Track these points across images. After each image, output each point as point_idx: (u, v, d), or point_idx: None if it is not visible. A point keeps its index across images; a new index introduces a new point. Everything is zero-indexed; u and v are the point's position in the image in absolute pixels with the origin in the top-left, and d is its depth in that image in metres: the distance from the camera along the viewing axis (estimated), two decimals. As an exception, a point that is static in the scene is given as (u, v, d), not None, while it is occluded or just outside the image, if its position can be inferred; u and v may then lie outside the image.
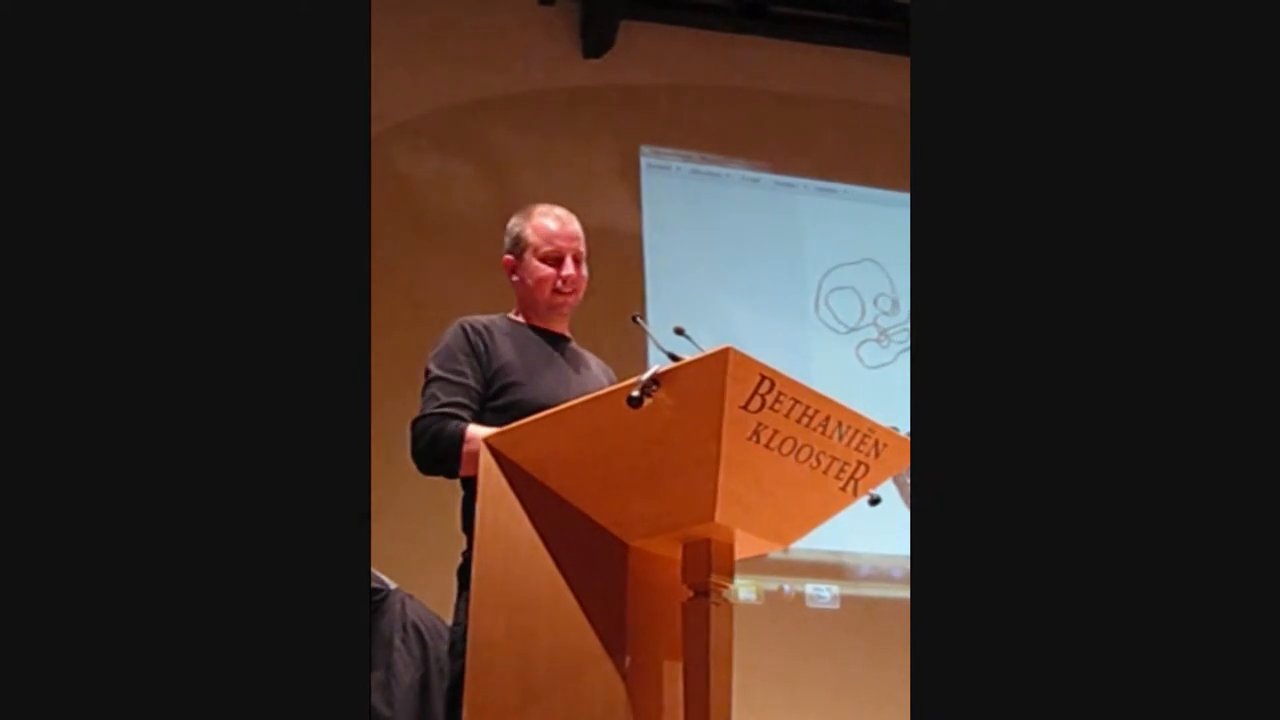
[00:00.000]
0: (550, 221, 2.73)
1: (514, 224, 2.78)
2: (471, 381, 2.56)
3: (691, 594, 2.09)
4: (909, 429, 1.96)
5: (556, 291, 2.70)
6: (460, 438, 2.47)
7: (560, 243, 2.71)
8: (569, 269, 2.70)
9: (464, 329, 2.64)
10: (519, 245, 2.73)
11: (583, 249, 2.73)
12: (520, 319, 2.75)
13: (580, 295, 2.74)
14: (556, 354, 2.71)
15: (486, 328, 2.65)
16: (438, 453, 2.49)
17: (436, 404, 2.53)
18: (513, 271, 2.75)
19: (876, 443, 2.18)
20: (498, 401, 2.56)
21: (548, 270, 2.70)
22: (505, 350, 2.63)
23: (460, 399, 2.54)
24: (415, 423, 2.53)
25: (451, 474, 2.50)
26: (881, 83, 6.58)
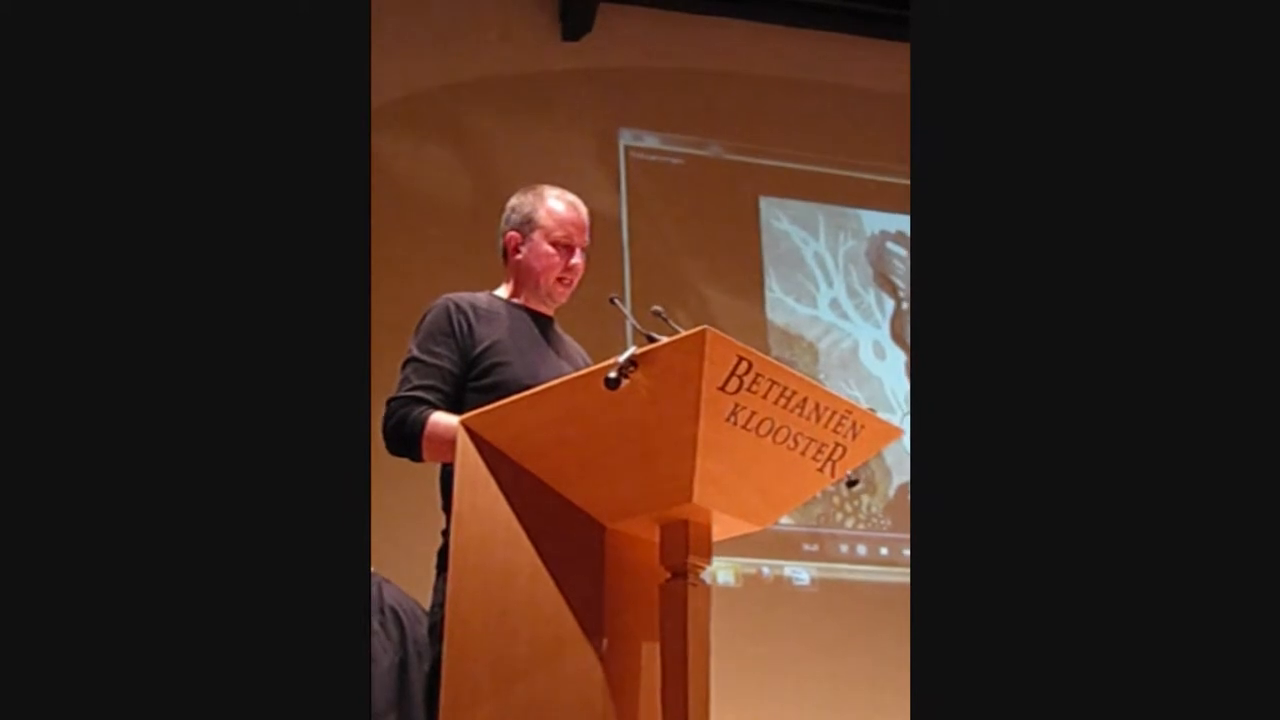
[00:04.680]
0: (565, 208, 2.73)
1: (522, 202, 2.76)
2: (447, 364, 2.55)
3: (669, 575, 2.09)
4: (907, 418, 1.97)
5: (560, 279, 2.70)
6: (421, 426, 2.47)
7: (573, 231, 2.71)
8: (577, 259, 2.70)
9: (447, 307, 2.63)
10: (529, 225, 2.72)
11: (588, 240, 2.73)
12: (510, 298, 2.74)
13: (576, 284, 2.75)
14: (543, 335, 2.71)
15: (473, 306, 2.64)
16: (401, 437, 2.49)
17: (408, 387, 2.53)
18: (515, 249, 2.74)
19: (854, 424, 2.18)
20: (484, 381, 2.55)
21: (557, 257, 2.69)
22: (494, 329, 2.62)
23: (432, 382, 2.53)
24: (388, 402, 2.53)
25: (414, 459, 2.51)
26: (862, 66, 6.59)
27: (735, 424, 2.02)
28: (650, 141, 6.29)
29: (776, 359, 2.19)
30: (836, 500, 5.90)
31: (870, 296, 6.37)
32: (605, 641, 2.11)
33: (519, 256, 2.73)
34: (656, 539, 2.12)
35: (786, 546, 5.78)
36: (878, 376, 6.23)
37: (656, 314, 2.67)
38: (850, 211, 6.46)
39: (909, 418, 6.16)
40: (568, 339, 2.81)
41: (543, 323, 2.73)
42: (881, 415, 2.33)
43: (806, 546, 5.85)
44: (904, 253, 6.47)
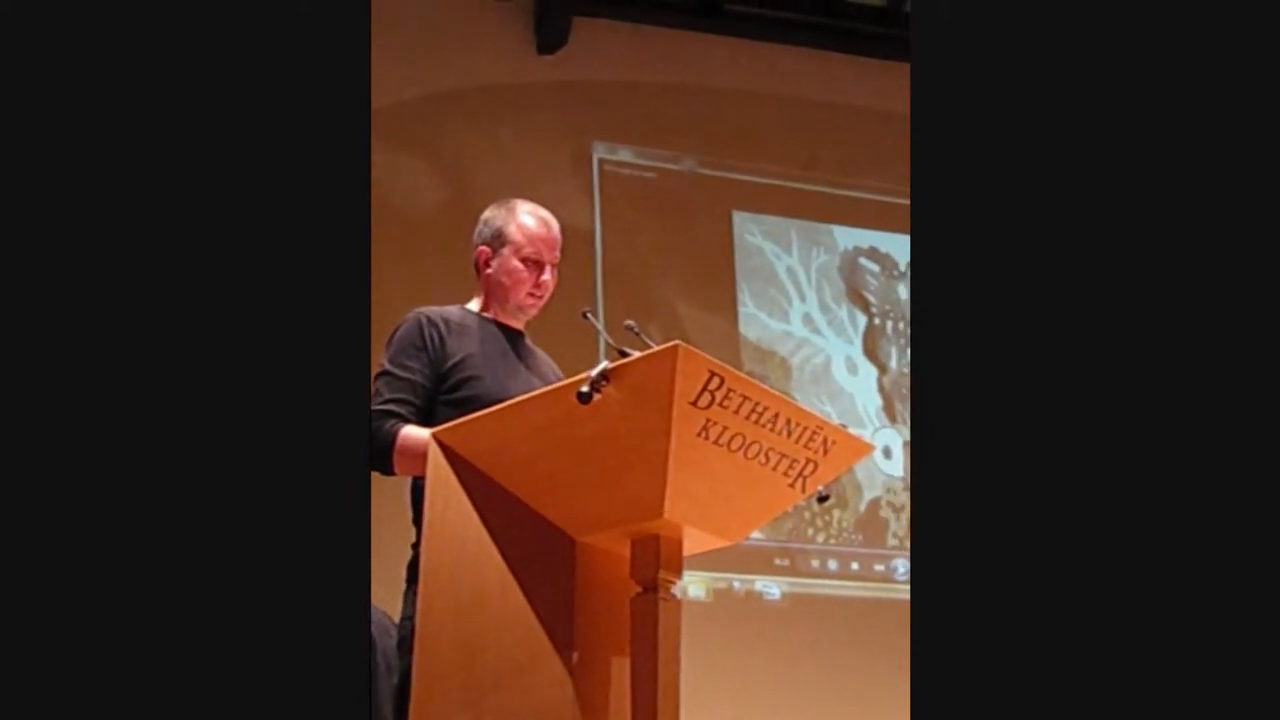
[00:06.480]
0: (536, 224, 2.73)
1: (494, 216, 2.76)
2: (418, 377, 2.55)
3: (640, 590, 2.09)
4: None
5: (529, 294, 2.71)
6: (393, 439, 2.46)
7: (543, 248, 2.71)
8: (547, 276, 2.71)
9: (419, 321, 2.63)
10: (500, 239, 2.72)
11: (559, 256, 2.74)
12: (481, 311, 2.74)
13: (546, 300, 2.75)
14: (514, 350, 2.71)
15: (444, 320, 2.64)
16: (372, 450, 2.47)
17: (380, 400, 2.52)
18: (485, 263, 2.74)
19: (825, 440, 2.19)
20: (455, 395, 2.55)
21: (526, 272, 2.69)
22: (465, 343, 2.62)
23: (404, 395, 2.53)
24: None
25: (385, 473, 2.50)
26: (837, 82, 6.62)
27: (707, 439, 2.03)
28: (624, 155, 6.30)
29: (749, 374, 2.19)
30: (807, 515, 5.91)
31: (843, 312, 6.39)
32: (575, 655, 2.11)
33: (489, 271, 2.73)
34: (627, 553, 2.12)
35: (757, 561, 5.79)
36: (850, 392, 6.25)
37: (629, 328, 2.67)
38: (823, 227, 6.48)
39: (880, 433, 6.18)
40: (539, 353, 2.81)
41: (513, 337, 2.73)
42: (853, 431, 2.34)
43: (777, 561, 5.86)
44: (876, 268, 6.50)
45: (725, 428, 2.04)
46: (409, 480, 2.56)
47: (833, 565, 5.93)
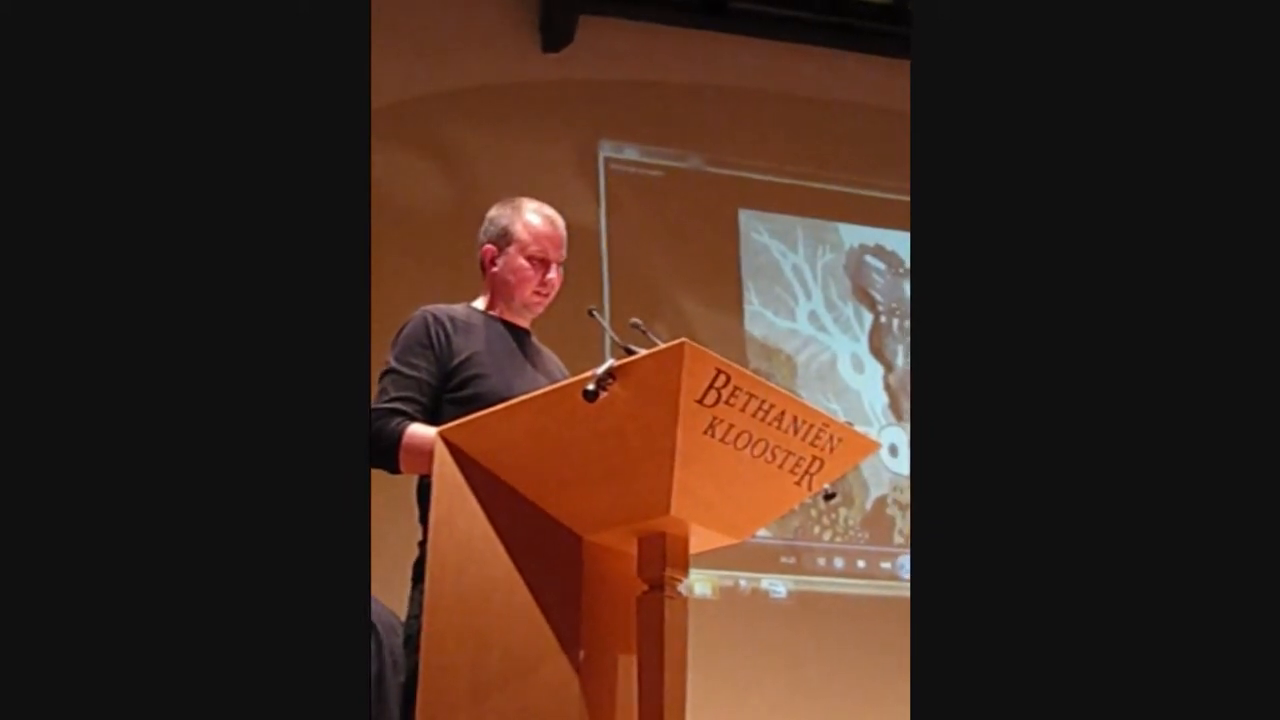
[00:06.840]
0: (541, 222, 2.74)
1: (499, 214, 2.77)
2: (424, 375, 2.56)
3: (646, 588, 2.09)
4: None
5: (534, 292, 2.71)
6: (398, 437, 2.47)
7: (548, 246, 2.72)
8: (552, 274, 2.71)
9: (425, 319, 2.63)
10: (505, 238, 2.73)
11: (564, 254, 2.74)
12: (487, 310, 2.75)
13: (552, 298, 2.75)
14: (520, 348, 2.71)
15: (450, 318, 2.65)
16: (378, 449, 2.48)
17: (385, 399, 2.53)
18: (491, 261, 2.75)
19: (832, 437, 2.19)
20: (461, 393, 2.55)
21: (531, 270, 2.70)
22: (471, 341, 2.62)
23: (410, 394, 2.53)
24: None
25: (391, 471, 2.50)
26: (842, 79, 6.62)
27: (713, 437, 2.02)
28: (630, 153, 6.30)
29: (755, 371, 2.20)
30: (814, 513, 5.90)
31: (849, 309, 6.39)
32: (582, 654, 2.11)
33: (495, 269, 2.74)
34: (634, 551, 2.12)
35: (763, 559, 5.78)
36: (856, 390, 6.25)
37: (635, 326, 2.67)
38: (829, 225, 6.48)
39: (886, 431, 6.17)
40: (545, 351, 2.81)
41: (519, 335, 2.73)
42: (859, 429, 2.34)
43: (784, 559, 5.86)
44: (882, 266, 6.49)
45: (732, 425, 2.04)
46: (415, 479, 2.56)
47: (839, 563, 5.93)
